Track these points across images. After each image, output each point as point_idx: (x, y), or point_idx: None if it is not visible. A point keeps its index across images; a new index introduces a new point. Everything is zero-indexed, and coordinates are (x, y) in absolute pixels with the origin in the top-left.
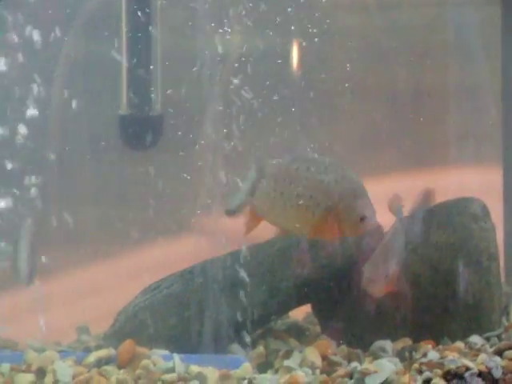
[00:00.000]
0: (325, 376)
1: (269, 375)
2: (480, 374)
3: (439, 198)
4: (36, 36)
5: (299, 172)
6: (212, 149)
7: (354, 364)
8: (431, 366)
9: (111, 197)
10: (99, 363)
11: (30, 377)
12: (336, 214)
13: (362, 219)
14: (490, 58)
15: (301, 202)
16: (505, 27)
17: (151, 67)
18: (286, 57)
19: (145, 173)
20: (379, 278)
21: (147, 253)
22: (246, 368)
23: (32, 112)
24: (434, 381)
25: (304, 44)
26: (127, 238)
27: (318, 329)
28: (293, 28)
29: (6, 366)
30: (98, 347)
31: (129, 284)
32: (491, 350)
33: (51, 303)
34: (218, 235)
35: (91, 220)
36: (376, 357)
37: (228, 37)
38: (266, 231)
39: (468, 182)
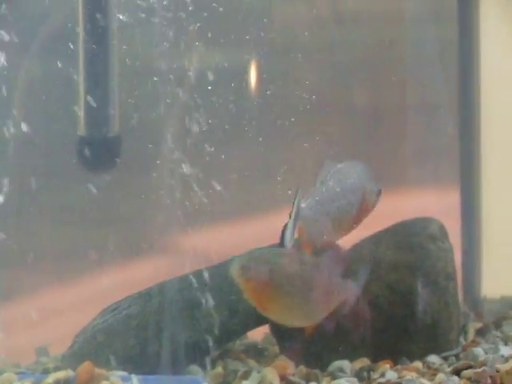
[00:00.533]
0: None
1: None
2: None
3: (398, 219)
4: None
5: (333, 187)
6: (170, 169)
7: None
8: None
9: (71, 218)
10: None
11: None
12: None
13: (379, 193)
14: (447, 76)
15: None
16: (461, 44)
17: (109, 87)
18: (246, 74)
19: (104, 194)
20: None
21: (107, 274)
22: None
23: None
24: None
25: (263, 61)
26: (87, 260)
27: (276, 349)
28: (253, 45)
29: None
30: (57, 369)
31: (89, 305)
32: (449, 369)
33: (11, 325)
34: (179, 255)
35: (51, 241)
36: (334, 377)
37: (187, 54)
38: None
39: (426, 202)
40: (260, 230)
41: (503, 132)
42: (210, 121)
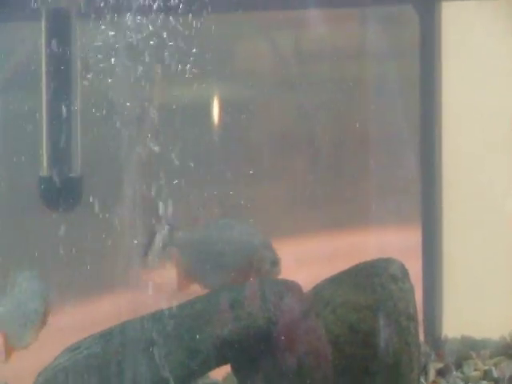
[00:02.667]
0: None
1: None
2: None
3: (359, 259)
4: None
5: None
6: (132, 209)
7: None
8: None
9: (33, 257)
10: None
11: None
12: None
13: (275, 263)
14: (409, 112)
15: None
16: (422, 80)
17: (71, 127)
18: (207, 110)
19: (66, 234)
20: None
21: (69, 314)
22: None
23: None
24: None
25: (226, 97)
26: (50, 298)
27: None
28: (215, 80)
29: None
30: None
31: (51, 345)
32: None
33: None
34: (141, 293)
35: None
36: None
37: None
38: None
39: (388, 241)
40: None
41: (464, 169)
42: (172, 158)
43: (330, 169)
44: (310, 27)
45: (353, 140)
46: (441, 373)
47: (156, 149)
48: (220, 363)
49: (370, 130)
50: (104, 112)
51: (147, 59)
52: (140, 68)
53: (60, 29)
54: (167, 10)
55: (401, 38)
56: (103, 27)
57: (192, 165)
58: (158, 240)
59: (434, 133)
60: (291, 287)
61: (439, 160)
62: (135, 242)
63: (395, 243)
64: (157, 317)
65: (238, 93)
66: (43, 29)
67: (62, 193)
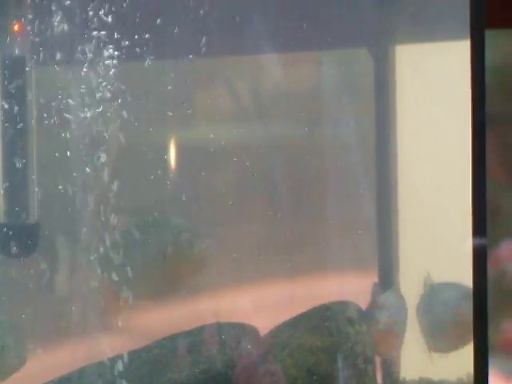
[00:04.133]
0: None
1: None
2: None
3: (316, 302)
4: None
5: None
6: (89, 256)
7: None
8: None
9: None
10: None
11: None
12: None
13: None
14: (364, 152)
15: None
16: (378, 121)
17: (28, 174)
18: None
19: (23, 280)
20: None
21: (29, 360)
22: None
23: None
24: None
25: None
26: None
27: None
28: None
29: None
30: None
31: None
32: None
33: None
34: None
35: None
36: None
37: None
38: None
39: (345, 284)
40: (187, 312)
41: (421, 209)
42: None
43: (288, 210)
44: (267, 70)
45: (310, 182)
46: None
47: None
48: None
49: (327, 172)
50: (61, 158)
51: (106, 104)
52: (100, 112)
53: (15, 75)
54: (127, 57)
55: (356, 81)
56: (61, 74)
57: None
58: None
59: (390, 173)
60: (249, 331)
61: (395, 201)
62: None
63: (353, 286)
64: (114, 362)
65: (196, 136)
66: None
67: (18, 239)
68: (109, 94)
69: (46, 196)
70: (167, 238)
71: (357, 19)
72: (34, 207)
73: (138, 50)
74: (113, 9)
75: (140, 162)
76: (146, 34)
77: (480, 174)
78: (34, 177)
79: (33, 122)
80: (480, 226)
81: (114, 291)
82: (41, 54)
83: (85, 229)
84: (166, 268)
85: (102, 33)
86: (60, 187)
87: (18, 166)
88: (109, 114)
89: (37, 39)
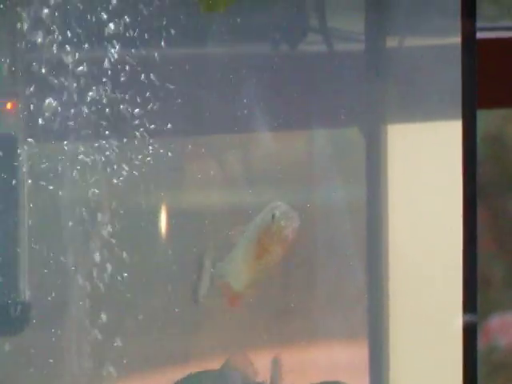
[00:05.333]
0: None
1: None
2: None
3: (308, 376)
4: None
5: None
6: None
7: None
8: None
9: None
10: None
11: None
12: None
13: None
14: (356, 227)
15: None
16: (369, 199)
17: (19, 252)
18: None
19: (12, 358)
20: None
21: None
22: None
23: None
24: None
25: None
26: None
27: None
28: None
29: None
30: None
31: None
32: None
33: None
34: None
35: None
36: None
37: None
38: None
39: (335, 355)
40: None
41: (411, 281)
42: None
43: (277, 281)
44: (259, 148)
45: (300, 251)
46: None
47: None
48: None
49: (318, 242)
50: (53, 234)
51: (96, 179)
52: (89, 188)
53: (6, 154)
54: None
55: (347, 155)
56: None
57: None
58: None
59: (381, 245)
60: None
61: (386, 273)
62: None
63: (343, 358)
64: None
65: (188, 202)
66: None
67: (9, 318)
68: (102, 165)
69: (37, 272)
70: None
71: (348, 98)
72: (25, 286)
73: (131, 126)
74: (107, 88)
75: (135, 228)
76: (139, 109)
77: (471, 247)
78: (25, 255)
79: (25, 196)
80: (471, 300)
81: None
82: (34, 130)
83: (78, 306)
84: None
85: (96, 109)
86: (51, 262)
87: (8, 244)
88: (102, 184)
89: (30, 115)
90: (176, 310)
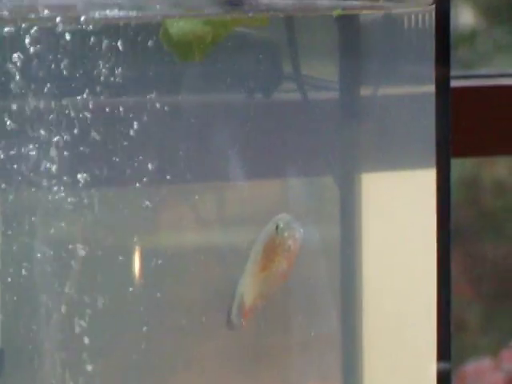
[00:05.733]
0: None
1: None
2: None
3: None
4: None
5: None
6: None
7: None
8: None
9: None
10: None
11: None
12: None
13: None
14: (330, 273)
15: None
16: (343, 247)
17: None
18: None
19: None
20: None
21: None
22: None
23: None
24: None
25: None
26: None
27: None
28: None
29: None
30: None
31: None
32: None
33: None
34: None
35: None
36: None
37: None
38: None
39: None
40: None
41: (385, 330)
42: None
43: (251, 324)
44: (233, 195)
45: (275, 297)
46: None
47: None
48: None
49: (291, 285)
50: (26, 280)
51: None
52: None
53: None
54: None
55: (322, 206)
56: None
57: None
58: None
59: (355, 290)
60: None
61: (359, 317)
62: None
63: None
64: None
65: (162, 245)
66: None
67: None
68: (75, 215)
69: (9, 319)
70: None
71: (323, 146)
72: None
73: (104, 172)
74: (78, 136)
75: (109, 272)
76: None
77: (445, 293)
78: None
79: None
80: (445, 346)
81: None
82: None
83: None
84: None
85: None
86: (25, 308)
87: None
88: (77, 229)
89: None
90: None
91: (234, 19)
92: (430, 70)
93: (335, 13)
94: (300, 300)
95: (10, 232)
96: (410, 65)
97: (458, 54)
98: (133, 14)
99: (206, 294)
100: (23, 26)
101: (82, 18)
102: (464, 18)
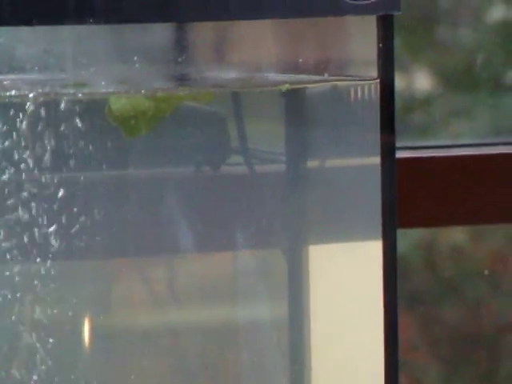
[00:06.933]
0: None
1: None
2: None
3: None
4: None
5: None
6: None
7: None
8: None
9: None
10: None
11: None
12: None
13: None
14: (276, 331)
15: None
16: (291, 316)
17: None
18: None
19: None
20: None
21: None
22: None
23: None
24: None
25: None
26: None
27: None
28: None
29: None
30: None
31: None
32: None
33: None
34: None
35: None
36: None
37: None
38: None
39: None
40: None
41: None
42: None
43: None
44: (183, 267)
45: (225, 369)
46: None
47: None
48: None
49: (242, 358)
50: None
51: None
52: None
53: None
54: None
55: (271, 279)
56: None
57: None
58: None
59: (304, 363)
60: None
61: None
62: None
63: None
64: None
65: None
66: None
67: None
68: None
69: None
70: None
71: (270, 218)
72: None
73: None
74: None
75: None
76: (64, 230)
77: (393, 358)
78: None
79: None
80: None
81: None
82: None
83: None
84: None
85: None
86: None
87: None
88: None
89: None
90: None
91: (176, 95)
92: (375, 140)
93: (283, 88)
94: (250, 374)
95: None
96: (356, 135)
97: (413, 118)
98: (77, 91)
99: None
100: None
101: (31, 95)
102: (419, 83)
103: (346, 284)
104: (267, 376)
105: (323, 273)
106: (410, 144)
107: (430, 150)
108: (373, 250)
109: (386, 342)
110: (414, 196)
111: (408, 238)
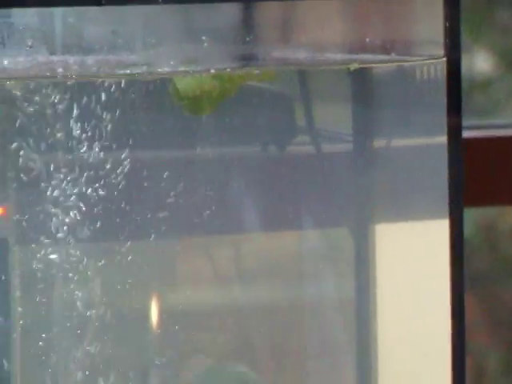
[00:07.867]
0: None
1: None
2: None
3: None
4: None
5: None
6: None
7: None
8: None
9: None
10: None
11: None
12: None
13: None
14: (342, 311)
15: None
16: (358, 296)
17: (10, 353)
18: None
19: None
20: None
21: None
22: None
23: None
24: None
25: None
26: None
27: None
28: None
29: None
30: None
31: None
32: None
33: None
34: None
35: None
36: None
37: None
38: None
39: None
40: None
41: (398, 378)
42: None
43: (270, 376)
44: (248, 247)
45: (291, 346)
46: None
47: None
48: None
49: (309, 337)
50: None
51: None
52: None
53: None
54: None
55: (336, 258)
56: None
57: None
58: None
59: (370, 342)
60: None
61: (375, 368)
62: None
63: None
64: None
65: (180, 301)
66: None
67: None
68: (93, 268)
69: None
70: None
71: (337, 198)
72: None
73: (121, 229)
74: (96, 193)
75: (127, 327)
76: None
77: (460, 340)
78: (16, 361)
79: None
80: None
81: None
82: (24, 235)
83: None
84: None
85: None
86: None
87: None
88: (94, 286)
89: (20, 221)
90: None
91: (241, 75)
92: (442, 120)
93: (351, 67)
94: (316, 353)
95: (32, 288)
96: (422, 115)
97: (472, 101)
98: (144, 70)
99: (223, 349)
100: (38, 82)
101: (99, 75)
102: (479, 65)
103: (412, 263)
104: (332, 355)
105: (389, 252)
106: (473, 123)
107: (494, 130)
108: (439, 229)
109: (453, 321)
110: (476, 175)
111: (470, 219)
